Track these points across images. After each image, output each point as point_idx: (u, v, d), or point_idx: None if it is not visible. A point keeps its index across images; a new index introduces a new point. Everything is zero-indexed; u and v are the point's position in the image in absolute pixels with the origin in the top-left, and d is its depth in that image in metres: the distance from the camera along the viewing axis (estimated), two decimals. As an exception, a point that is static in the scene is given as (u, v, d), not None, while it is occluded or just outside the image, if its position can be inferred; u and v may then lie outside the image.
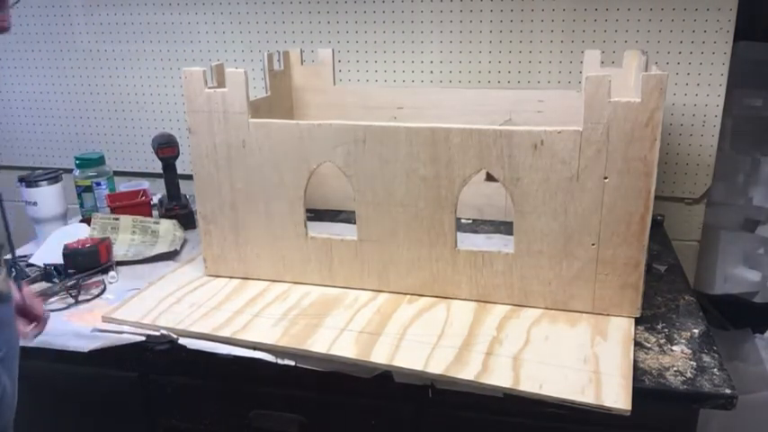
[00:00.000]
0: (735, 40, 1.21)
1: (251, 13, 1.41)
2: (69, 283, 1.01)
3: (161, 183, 1.31)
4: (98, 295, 1.01)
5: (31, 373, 0.78)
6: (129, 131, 1.57)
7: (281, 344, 0.83)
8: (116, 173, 1.38)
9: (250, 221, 0.99)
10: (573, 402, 0.71)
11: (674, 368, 0.77)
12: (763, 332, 1.38)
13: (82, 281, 1.02)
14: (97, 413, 0.99)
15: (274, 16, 1.40)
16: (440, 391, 0.79)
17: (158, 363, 0.91)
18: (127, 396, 0.97)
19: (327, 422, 0.91)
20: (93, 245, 1.07)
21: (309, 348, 0.82)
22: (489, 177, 0.99)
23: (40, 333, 0.79)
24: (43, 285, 1.03)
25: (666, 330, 0.86)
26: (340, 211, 1.28)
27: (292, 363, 0.83)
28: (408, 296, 0.95)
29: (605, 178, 0.82)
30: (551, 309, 0.90)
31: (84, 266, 1.05)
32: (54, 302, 0.99)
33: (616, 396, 0.71)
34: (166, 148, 1.26)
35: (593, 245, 0.85)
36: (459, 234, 0.91)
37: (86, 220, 1.24)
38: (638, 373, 0.76)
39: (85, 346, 0.88)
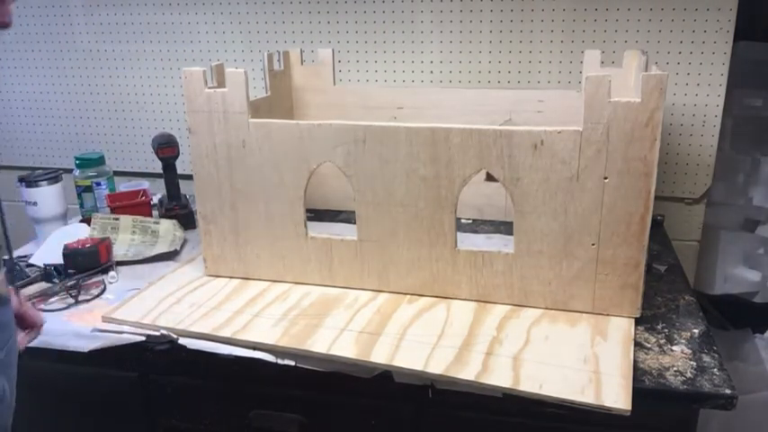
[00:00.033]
0: (735, 40, 1.21)
1: (251, 13, 1.41)
2: (69, 283, 1.01)
3: (161, 183, 1.31)
4: (98, 295, 1.01)
5: (31, 373, 0.78)
6: (129, 131, 1.57)
7: (281, 344, 0.83)
8: (116, 173, 1.38)
9: (250, 221, 0.99)
10: (573, 402, 0.71)
11: (674, 368, 0.77)
12: (763, 332, 1.38)
13: (82, 281, 1.02)
14: (97, 413, 0.99)
15: (274, 16, 1.40)
16: (440, 391, 0.79)
17: (158, 363, 0.91)
18: (127, 396, 0.97)
19: (327, 422, 0.91)
20: (93, 245, 1.07)
21: (309, 348, 0.82)
22: (489, 177, 0.99)
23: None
24: (43, 285, 1.03)
25: (666, 330, 0.86)
26: (340, 211, 1.28)
27: (292, 363, 0.83)
28: (408, 296, 0.95)
29: (605, 178, 0.82)
30: (551, 309, 0.90)
31: (84, 266, 1.05)
32: (54, 302, 0.99)
33: (616, 396, 0.71)
34: (166, 148, 1.26)
35: (593, 245, 0.85)
36: (459, 234, 0.91)
37: (86, 220, 1.24)
38: (638, 373, 0.76)
39: (85, 346, 0.88)
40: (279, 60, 1.24)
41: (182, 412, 0.96)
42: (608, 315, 0.88)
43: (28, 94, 1.60)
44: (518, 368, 0.77)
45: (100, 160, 1.33)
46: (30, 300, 0.99)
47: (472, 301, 0.93)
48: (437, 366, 0.77)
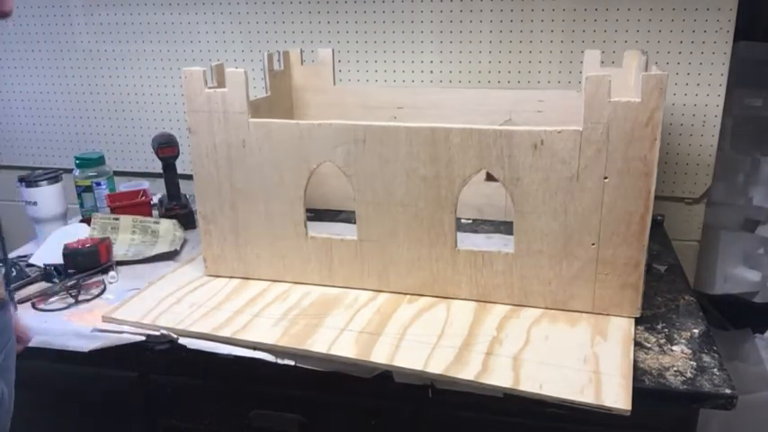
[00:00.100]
0: (735, 40, 1.21)
1: (251, 13, 1.41)
2: (69, 283, 1.01)
3: (161, 183, 1.31)
4: (98, 295, 1.01)
5: (31, 373, 0.78)
6: (129, 131, 1.57)
7: (281, 344, 0.83)
8: (116, 173, 1.38)
9: (250, 221, 0.99)
10: (573, 402, 0.71)
11: (674, 368, 0.77)
12: (763, 332, 1.38)
13: (82, 281, 1.02)
14: (97, 413, 0.99)
15: (274, 16, 1.40)
16: (440, 391, 0.79)
17: (158, 363, 0.91)
18: (127, 396, 0.97)
19: (327, 422, 0.91)
20: (93, 245, 1.07)
21: (309, 348, 0.82)
22: (489, 177, 1.00)
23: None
24: (43, 285, 1.03)
25: (666, 330, 0.86)
26: (340, 211, 1.28)
27: (292, 363, 0.83)
28: (408, 296, 0.95)
29: (605, 178, 0.82)
30: (551, 309, 0.90)
31: (84, 266, 1.05)
32: (54, 302, 0.99)
33: (616, 396, 0.71)
34: (166, 147, 1.26)
35: (593, 245, 0.85)
36: (459, 234, 0.91)
37: (86, 220, 1.24)
38: (638, 373, 0.76)
39: (85, 345, 0.88)
40: (279, 60, 1.24)
41: (182, 412, 0.96)
42: (608, 315, 0.88)
43: (28, 93, 1.60)
44: (518, 368, 0.76)
45: (100, 160, 1.33)
46: (30, 300, 0.99)
47: (472, 300, 0.93)
48: (437, 366, 0.77)
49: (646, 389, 0.74)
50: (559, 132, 0.82)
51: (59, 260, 1.07)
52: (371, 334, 0.85)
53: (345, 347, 0.82)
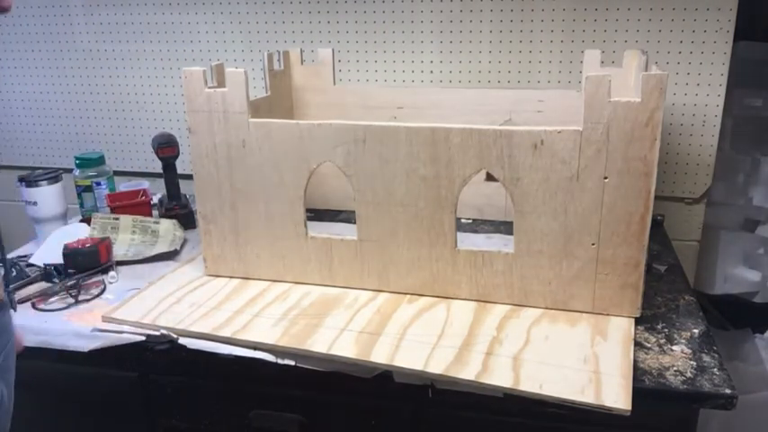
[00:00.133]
0: (735, 40, 1.21)
1: (251, 13, 1.41)
2: (69, 283, 1.01)
3: (161, 183, 1.31)
4: (98, 295, 1.01)
5: (31, 373, 0.78)
6: (129, 131, 1.57)
7: (281, 344, 0.83)
8: (116, 173, 1.38)
9: (250, 221, 0.99)
10: (573, 402, 0.71)
11: (674, 368, 0.77)
12: (763, 332, 1.38)
13: (82, 281, 1.02)
14: (97, 413, 0.99)
15: (274, 16, 1.40)
16: (440, 391, 0.79)
17: (158, 363, 0.91)
18: (127, 396, 0.97)
19: (327, 422, 0.91)
20: (93, 245, 1.07)
21: (309, 348, 0.82)
22: (489, 177, 1.00)
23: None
24: (43, 285, 1.03)
25: (666, 330, 0.86)
26: (340, 211, 1.28)
27: (292, 363, 0.83)
28: (408, 296, 0.95)
29: (605, 178, 0.82)
30: (551, 309, 0.90)
31: (84, 266, 1.05)
32: (54, 302, 0.99)
33: (616, 396, 0.71)
34: (166, 147, 1.26)
35: (593, 245, 0.85)
36: (459, 234, 0.91)
37: (86, 220, 1.24)
38: (638, 373, 0.76)
39: (85, 345, 0.88)
40: (279, 60, 1.24)
41: (182, 412, 0.96)
42: (608, 315, 0.88)
43: (28, 93, 1.60)
44: (518, 368, 0.76)
45: (100, 160, 1.33)
46: (30, 300, 0.99)
47: (472, 300, 0.93)
48: (437, 366, 0.77)
49: (646, 389, 0.74)
50: (559, 132, 0.82)
51: (59, 260, 1.07)
52: (371, 334, 0.85)
53: (345, 347, 0.82)
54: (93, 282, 1.04)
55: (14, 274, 1.05)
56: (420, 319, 0.88)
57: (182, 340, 0.87)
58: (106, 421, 1.00)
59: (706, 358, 0.80)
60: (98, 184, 1.31)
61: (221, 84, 0.95)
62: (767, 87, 1.35)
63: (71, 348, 0.89)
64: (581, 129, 0.81)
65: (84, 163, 1.31)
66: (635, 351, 0.80)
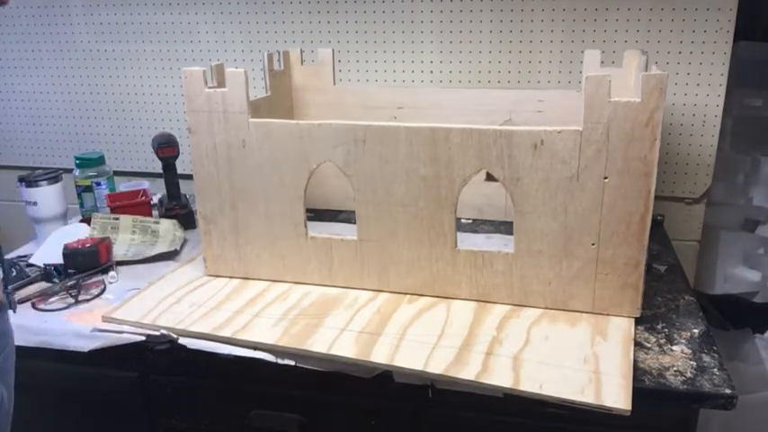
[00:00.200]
0: (735, 40, 1.21)
1: (251, 13, 1.41)
2: (69, 283, 1.01)
3: (161, 183, 1.31)
4: (98, 295, 1.01)
5: (31, 374, 0.78)
6: (129, 131, 1.57)
7: (281, 344, 0.83)
8: (116, 173, 1.38)
9: (250, 221, 0.99)
10: (573, 402, 0.71)
11: (674, 368, 0.77)
12: (763, 332, 1.38)
13: (82, 281, 1.02)
14: (97, 413, 0.99)
15: (274, 16, 1.40)
16: (440, 391, 0.79)
17: (158, 363, 0.91)
18: (127, 396, 0.97)
19: (327, 422, 0.91)
20: (93, 245, 1.07)
21: (309, 348, 0.82)
22: (489, 177, 0.99)
23: None
24: (43, 285, 1.03)
25: (666, 330, 0.86)
26: (340, 211, 1.28)
27: (292, 363, 0.83)
28: (408, 296, 0.95)
29: (605, 178, 0.82)
30: (551, 309, 0.90)
31: (84, 266, 1.05)
32: (54, 302, 0.99)
33: (616, 396, 0.71)
34: (166, 147, 1.26)
35: (593, 245, 0.85)
36: (459, 234, 0.91)
37: (86, 220, 1.24)
38: (638, 373, 0.76)
39: (85, 345, 0.88)
40: (279, 60, 1.24)
41: (182, 412, 0.96)
42: (608, 315, 0.88)
43: (28, 93, 1.60)
44: (518, 368, 0.76)
45: (100, 160, 1.33)
46: (30, 300, 0.99)
47: (472, 300, 0.93)
48: (437, 366, 0.77)
49: (646, 389, 0.74)
50: (559, 132, 0.82)
51: (59, 260, 1.06)
52: (371, 334, 0.85)
53: (345, 347, 0.82)
54: (93, 282, 1.04)
55: (14, 274, 1.05)
56: (420, 319, 0.88)
57: (182, 340, 0.87)
58: (106, 421, 1.00)
59: (706, 358, 0.80)
60: (98, 184, 1.31)
61: (221, 84, 0.95)
62: (767, 87, 1.35)
63: (71, 348, 0.89)
64: (581, 129, 0.81)
65: (84, 163, 1.31)
66: (635, 351, 0.80)
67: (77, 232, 1.17)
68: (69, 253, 1.06)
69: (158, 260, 1.12)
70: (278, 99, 1.22)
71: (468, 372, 0.76)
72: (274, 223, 0.98)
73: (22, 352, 0.76)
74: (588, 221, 0.84)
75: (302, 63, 1.28)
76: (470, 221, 1.24)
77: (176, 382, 0.95)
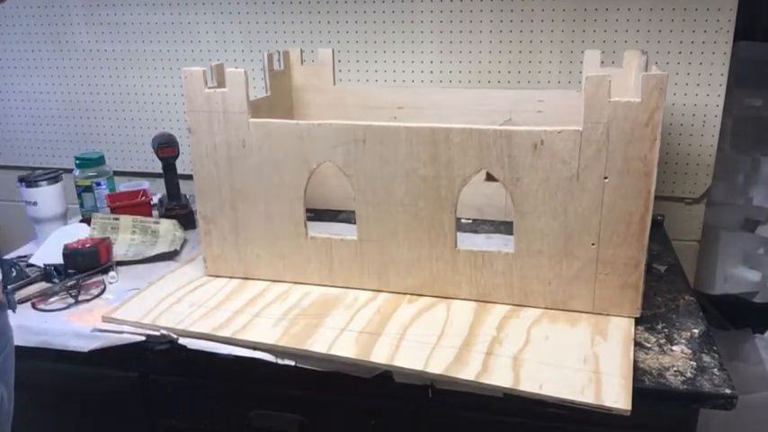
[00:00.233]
0: (735, 40, 1.21)
1: (251, 13, 1.41)
2: (69, 283, 1.01)
3: (161, 183, 1.31)
4: (98, 295, 1.01)
5: (31, 374, 0.78)
6: (129, 131, 1.57)
7: (281, 344, 0.83)
8: (116, 173, 1.38)
9: (250, 221, 0.99)
10: (573, 402, 0.71)
11: (674, 368, 0.77)
12: (763, 332, 1.38)
13: (82, 281, 1.02)
14: (97, 413, 0.99)
15: (274, 16, 1.40)
16: (440, 391, 0.79)
17: (158, 363, 0.91)
18: (127, 396, 0.97)
19: (327, 422, 0.91)
20: (93, 245, 1.07)
21: (309, 348, 0.82)
22: (489, 177, 0.99)
23: None
24: (43, 285, 1.03)
25: (666, 330, 0.86)
26: (340, 211, 1.28)
27: (292, 363, 0.83)
28: (408, 296, 0.95)
29: (605, 178, 0.82)
30: (551, 309, 0.90)
31: (84, 266, 1.05)
32: (54, 302, 0.99)
33: (616, 396, 0.71)
34: (166, 147, 1.26)
35: (593, 245, 0.85)
36: (459, 234, 0.91)
37: (86, 220, 1.24)
38: (638, 373, 0.76)
39: (85, 345, 0.88)
40: (279, 60, 1.24)
41: (182, 412, 0.96)
42: (608, 315, 0.88)
43: (28, 93, 1.60)
44: (518, 368, 0.76)
45: (100, 160, 1.33)
46: (30, 300, 0.99)
47: (472, 300, 0.93)
48: (437, 366, 0.77)
49: (646, 389, 0.74)
50: (559, 132, 0.82)
51: (59, 260, 1.06)
52: (371, 334, 0.85)
53: (345, 347, 0.82)
54: (93, 282, 1.04)
55: (14, 274, 1.05)
56: (420, 319, 0.88)
57: (182, 340, 0.87)
58: (106, 421, 1.00)
59: (706, 358, 0.80)
60: (98, 184, 1.31)
61: (221, 84, 0.95)
62: (767, 87, 1.35)
63: (71, 348, 0.89)
64: (581, 129, 0.81)
65: (84, 163, 1.31)
66: (635, 351, 0.80)
67: (77, 232, 1.17)
68: (69, 253, 1.06)
69: (158, 260, 1.12)
70: (278, 99, 1.22)
71: (468, 372, 0.76)
72: (274, 223, 0.98)
73: (22, 352, 0.76)
74: (588, 221, 0.84)
75: (302, 63, 1.28)
76: (470, 221, 1.24)
77: (176, 382, 0.95)
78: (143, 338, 0.88)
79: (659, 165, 0.81)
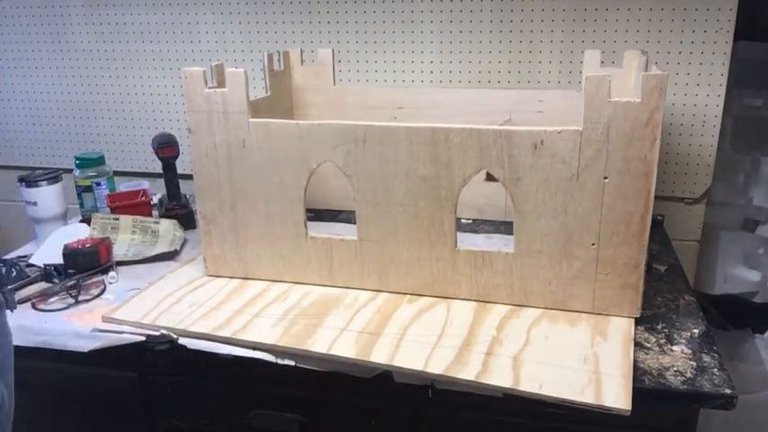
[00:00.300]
0: (735, 40, 1.21)
1: (251, 13, 1.41)
2: (69, 283, 1.01)
3: (161, 183, 1.31)
4: (98, 295, 1.01)
5: (31, 373, 0.78)
6: (129, 131, 1.57)
7: (281, 344, 0.83)
8: (116, 173, 1.38)
9: (250, 221, 0.99)
10: (573, 402, 0.71)
11: (674, 368, 0.77)
12: (763, 332, 1.38)
13: (82, 281, 1.02)
14: (97, 413, 0.99)
15: (274, 16, 1.40)
16: (440, 391, 0.79)
17: (158, 363, 0.91)
18: (127, 396, 0.97)
19: (327, 422, 0.91)
20: (93, 245, 1.07)
21: (309, 348, 0.82)
22: (489, 177, 0.99)
23: None
24: (43, 285, 1.03)
25: (666, 330, 0.86)
26: (340, 211, 1.28)
27: (292, 363, 0.83)
28: (408, 296, 0.95)
29: (605, 178, 0.82)
30: (551, 309, 0.90)
31: (84, 266, 1.05)
32: (54, 302, 0.99)
33: (616, 396, 0.71)
34: (166, 147, 1.26)
35: (593, 245, 0.85)
36: (459, 234, 0.91)
37: (86, 220, 1.24)
38: (638, 373, 0.76)
39: (85, 346, 0.88)
40: (279, 60, 1.24)
41: (182, 412, 0.96)
42: (608, 315, 0.88)
43: (28, 93, 1.60)
44: (518, 368, 0.76)
45: (100, 160, 1.33)
46: (30, 300, 0.99)
47: (472, 301, 0.93)
48: (437, 366, 0.77)
49: (646, 389, 0.74)
50: (559, 132, 0.82)
51: (59, 260, 1.06)
52: (371, 334, 0.85)
53: (345, 347, 0.82)
54: (93, 282, 1.04)
55: (14, 274, 1.05)
56: (420, 319, 0.88)
57: (182, 340, 0.87)
58: (106, 421, 1.00)
59: (706, 358, 0.80)
60: (98, 184, 1.31)
61: (221, 84, 0.95)
62: (767, 87, 1.35)
63: (71, 348, 0.89)
64: (581, 129, 0.81)
65: (84, 163, 1.31)
66: (635, 351, 0.80)
67: (77, 232, 1.17)
68: (69, 253, 1.06)
69: (158, 260, 1.12)
70: (278, 99, 1.22)
71: (468, 372, 0.76)
72: (274, 223, 0.98)
73: (22, 352, 0.76)
74: (588, 221, 0.84)
75: (302, 63, 1.28)
76: (470, 221, 1.24)
77: (176, 382, 0.95)
78: (143, 338, 0.88)
79: (659, 165, 0.81)
